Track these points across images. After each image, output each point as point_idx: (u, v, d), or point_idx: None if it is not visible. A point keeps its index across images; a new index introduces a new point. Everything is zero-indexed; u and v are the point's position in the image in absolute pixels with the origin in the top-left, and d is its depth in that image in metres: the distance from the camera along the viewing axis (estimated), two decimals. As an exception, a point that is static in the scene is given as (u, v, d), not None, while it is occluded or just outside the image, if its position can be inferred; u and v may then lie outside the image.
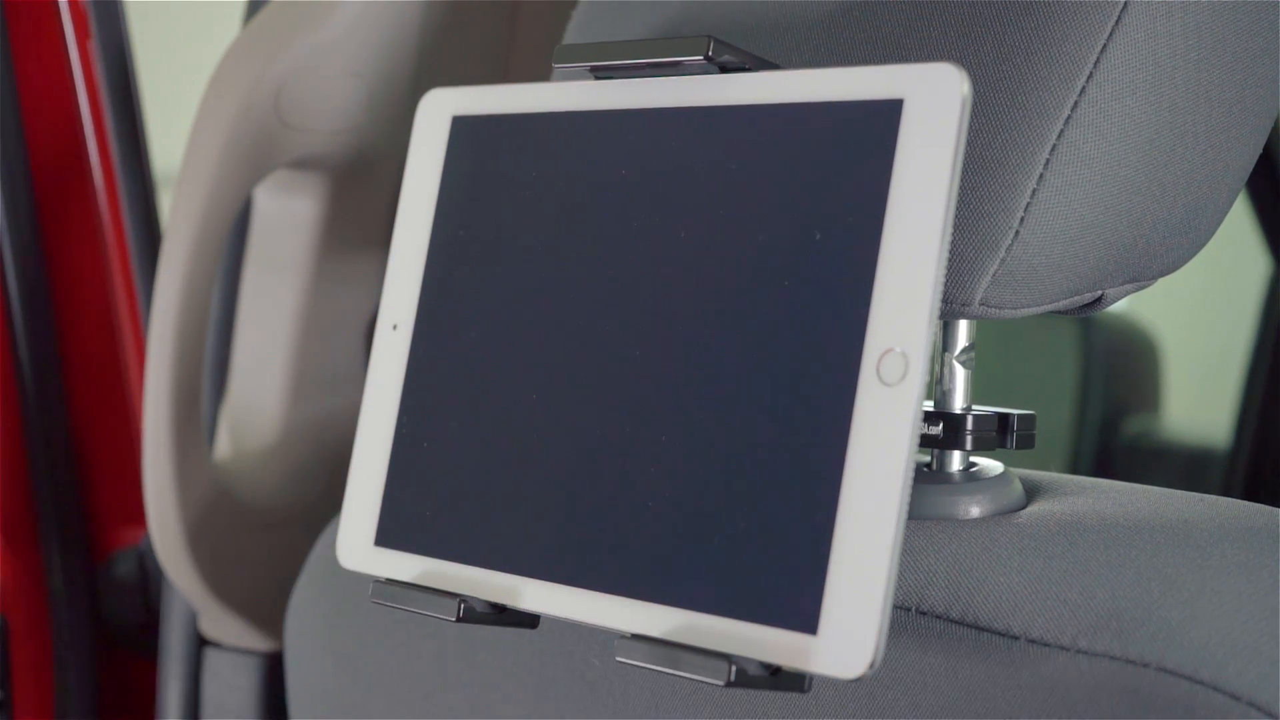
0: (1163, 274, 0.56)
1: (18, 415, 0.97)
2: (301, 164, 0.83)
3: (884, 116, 0.46)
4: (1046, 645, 0.48)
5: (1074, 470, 1.81)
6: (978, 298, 0.52)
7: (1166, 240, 0.54)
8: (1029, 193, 0.50)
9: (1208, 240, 0.56)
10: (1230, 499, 0.55)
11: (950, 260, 0.51)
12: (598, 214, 0.52)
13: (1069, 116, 0.50)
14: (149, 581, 0.99)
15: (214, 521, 0.84)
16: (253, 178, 0.80)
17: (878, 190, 0.45)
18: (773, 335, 0.47)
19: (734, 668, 0.45)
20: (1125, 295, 0.56)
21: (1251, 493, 1.58)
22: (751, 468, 0.46)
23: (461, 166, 0.56)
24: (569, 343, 0.52)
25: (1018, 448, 0.55)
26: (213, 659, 0.90)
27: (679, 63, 0.50)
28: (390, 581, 0.55)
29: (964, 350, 0.55)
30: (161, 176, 1.03)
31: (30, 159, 0.98)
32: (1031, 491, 0.56)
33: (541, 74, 0.84)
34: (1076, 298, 0.54)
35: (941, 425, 0.55)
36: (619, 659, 0.47)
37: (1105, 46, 0.49)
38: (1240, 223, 1.59)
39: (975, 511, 0.54)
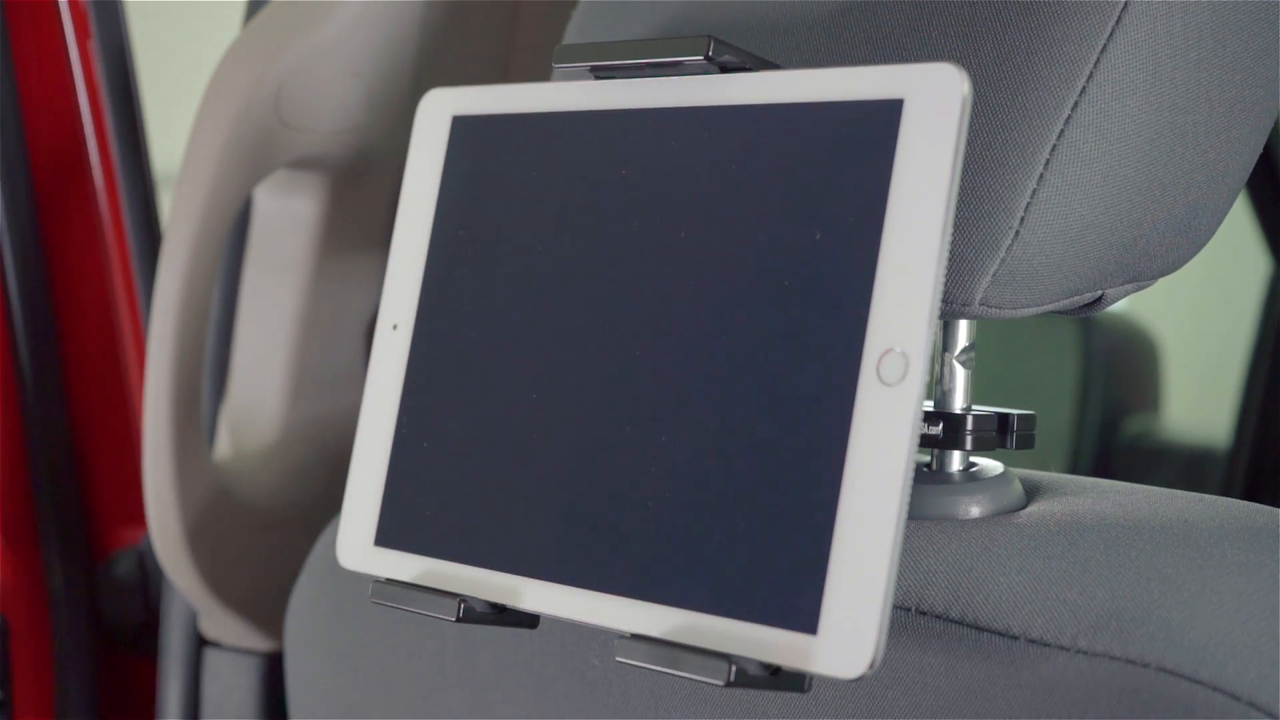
0: (1163, 274, 0.56)
1: (18, 415, 0.97)
2: (301, 164, 0.83)
3: (884, 116, 0.46)
4: (1046, 645, 0.48)
5: (1074, 470, 1.81)
6: (978, 298, 0.52)
7: (1166, 240, 0.54)
8: (1029, 193, 0.50)
9: (1208, 240, 0.56)
10: (1230, 499, 0.55)
11: (950, 260, 0.51)
12: (598, 214, 0.52)
13: (1069, 117, 0.50)
14: (149, 581, 0.99)
15: (214, 521, 0.84)
16: (253, 178, 0.80)
17: (878, 190, 0.45)
18: (773, 335, 0.47)
19: (734, 668, 0.45)
20: (1125, 295, 0.56)
21: (1251, 493, 1.58)
22: (751, 467, 0.46)
23: (461, 166, 0.56)
24: (569, 343, 0.52)
25: (1018, 448, 0.55)
26: (213, 659, 0.90)
27: (679, 63, 0.50)
28: (390, 581, 0.55)
29: (964, 350, 0.55)
30: (161, 176, 1.03)
31: (30, 159, 0.98)
32: (1031, 491, 0.56)
33: (541, 74, 0.84)
34: (1076, 298, 0.54)
35: (941, 425, 0.55)
36: (619, 659, 0.47)
37: (1105, 47, 0.49)
38: (1240, 223, 1.59)
39: (975, 511, 0.54)
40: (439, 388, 0.55)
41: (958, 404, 0.55)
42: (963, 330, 0.55)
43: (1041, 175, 0.50)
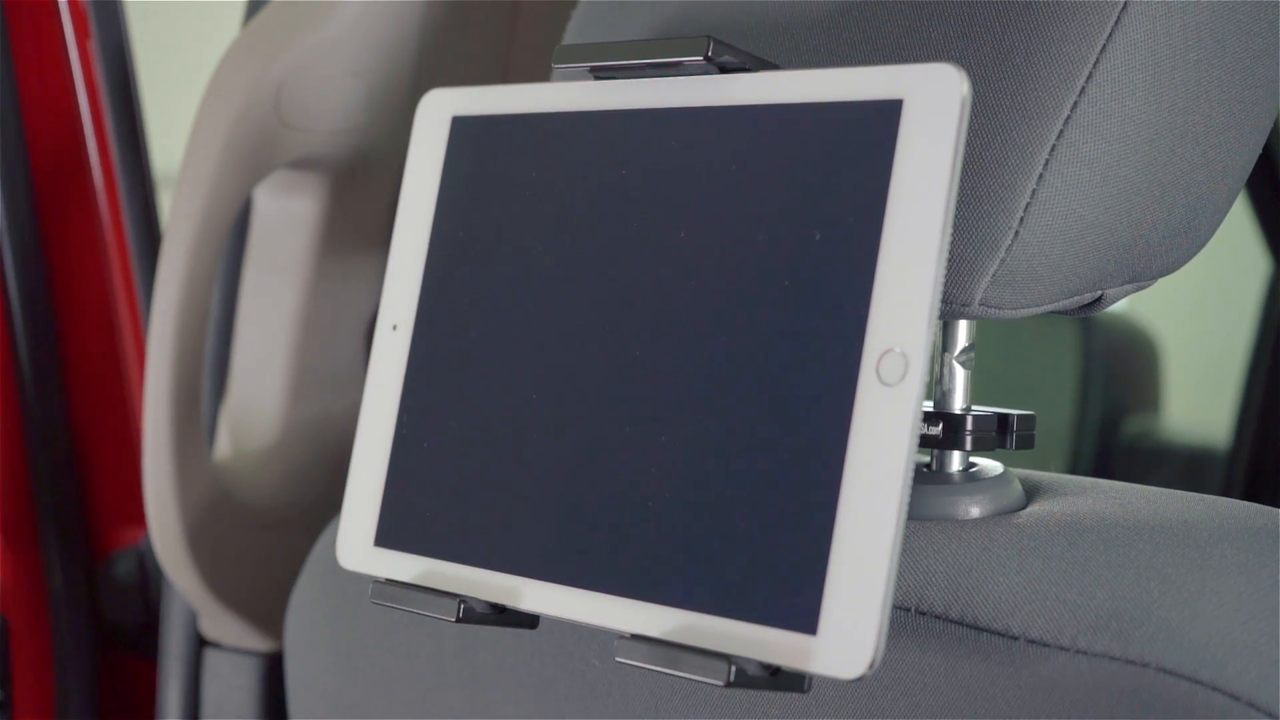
0: (1163, 274, 0.56)
1: (18, 415, 0.97)
2: (301, 164, 0.83)
3: (884, 117, 0.46)
4: (1046, 646, 0.48)
5: (1074, 470, 1.81)
6: (977, 298, 0.52)
7: (1166, 240, 0.54)
8: (1029, 193, 0.50)
9: (1208, 240, 0.56)
10: (1230, 499, 0.55)
11: (950, 260, 0.51)
12: (597, 214, 0.52)
13: (1069, 117, 0.50)
14: (149, 581, 0.99)
15: (214, 521, 0.84)
16: (253, 178, 0.80)
17: (877, 190, 0.45)
18: (772, 335, 0.47)
19: (734, 668, 0.45)
20: (1125, 295, 0.56)
21: (1251, 493, 1.58)
22: (751, 468, 0.46)
23: (461, 167, 0.56)
24: (568, 343, 0.52)
25: (1017, 448, 0.55)
26: (213, 659, 0.90)
27: (679, 63, 0.50)
28: (390, 582, 0.55)
29: (964, 350, 0.55)
30: (161, 176, 1.03)
31: (30, 159, 0.98)
32: (1031, 492, 0.56)
33: (541, 74, 0.84)
34: (1076, 298, 0.54)
35: (941, 425, 0.55)
36: (619, 659, 0.47)
37: (1105, 47, 0.49)
38: (1240, 223, 1.59)
39: (975, 512, 0.54)
40: (439, 388, 0.55)
41: (957, 404, 0.55)
42: (962, 330, 0.55)
43: (1041, 175, 0.50)
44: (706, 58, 0.49)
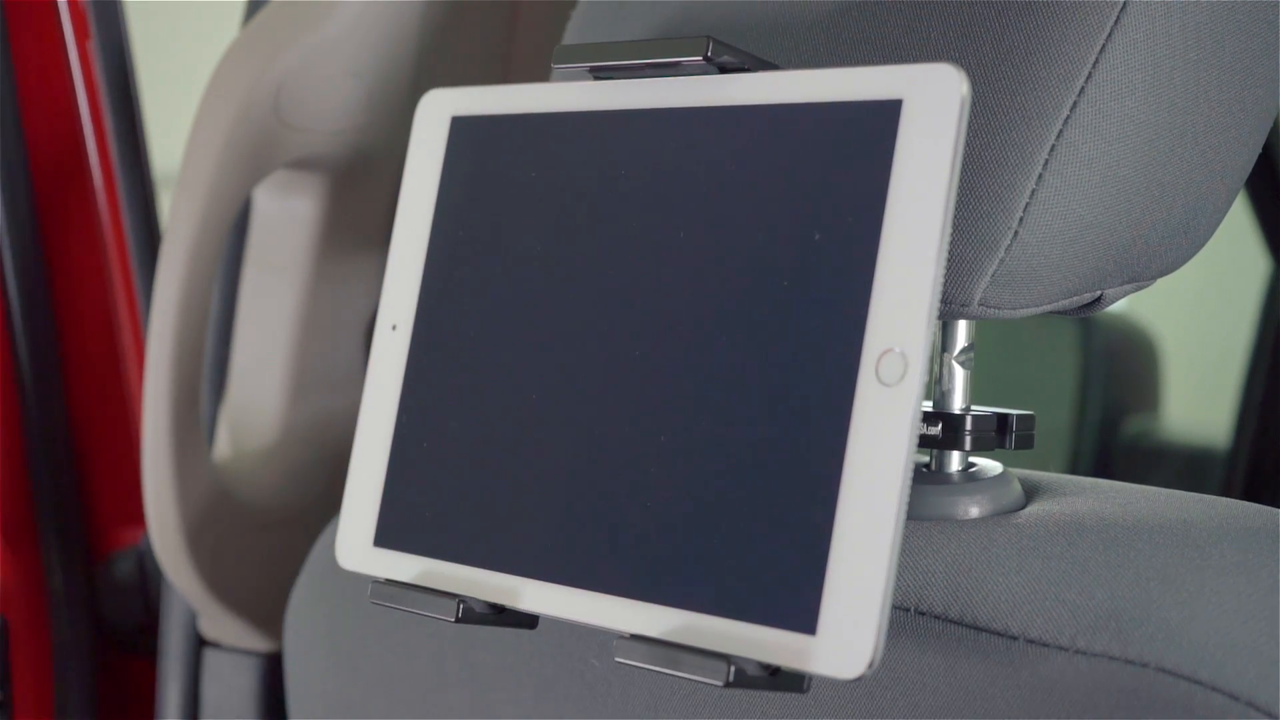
0: (1162, 274, 0.56)
1: (18, 415, 0.97)
2: (301, 164, 0.83)
3: (883, 117, 0.46)
4: (1045, 645, 0.48)
5: (1074, 470, 1.81)
6: (977, 298, 0.52)
7: (1166, 240, 0.54)
8: (1028, 193, 0.50)
9: (1207, 240, 0.55)
10: (1230, 499, 0.55)
11: (949, 260, 0.51)
12: (597, 214, 0.52)
13: (1068, 117, 0.50)
14: (149, 582, 0.99)
15: (214, 521, 0.84)
16: (252, 178, 0.80)
17: (877, 190, 0.45)
18: (772, 335, 0.47)
19: (733, 668, 0.45)
20: (1125, 295, 0.56)
21: (1251, 493, 1.58)
22: (750, 468, 0.46)
23: (461, 167, 0.56)
24: (568, 343, 0.52)
25: (1017, 448, 0.55)
26: (212, 659, 0.90)
27: (678, 63, 0.50)
28: (389, 582, 0.55)
29: (963, 350, 0.55)
30: (161, 176, 1.03)
31: (30, 159, 0.98)
32: (1031, 492, 0.56)
33: (541, 74, 0.84)
34: (1076, 298, 0.54)
35: (940, 425, 0.55)
36: (618, 659, 0.47)
37: (1104, 47, 0.49)
38: (1240, 223, 1.59)
39: (974, 512, 0.54)
40: (438, 388, 0.55)
41: (957, 404, 0.55)
42: (962, 330, 0.55)
43: (1040, 175, 0.50)
44: (706, 58, 0.49)
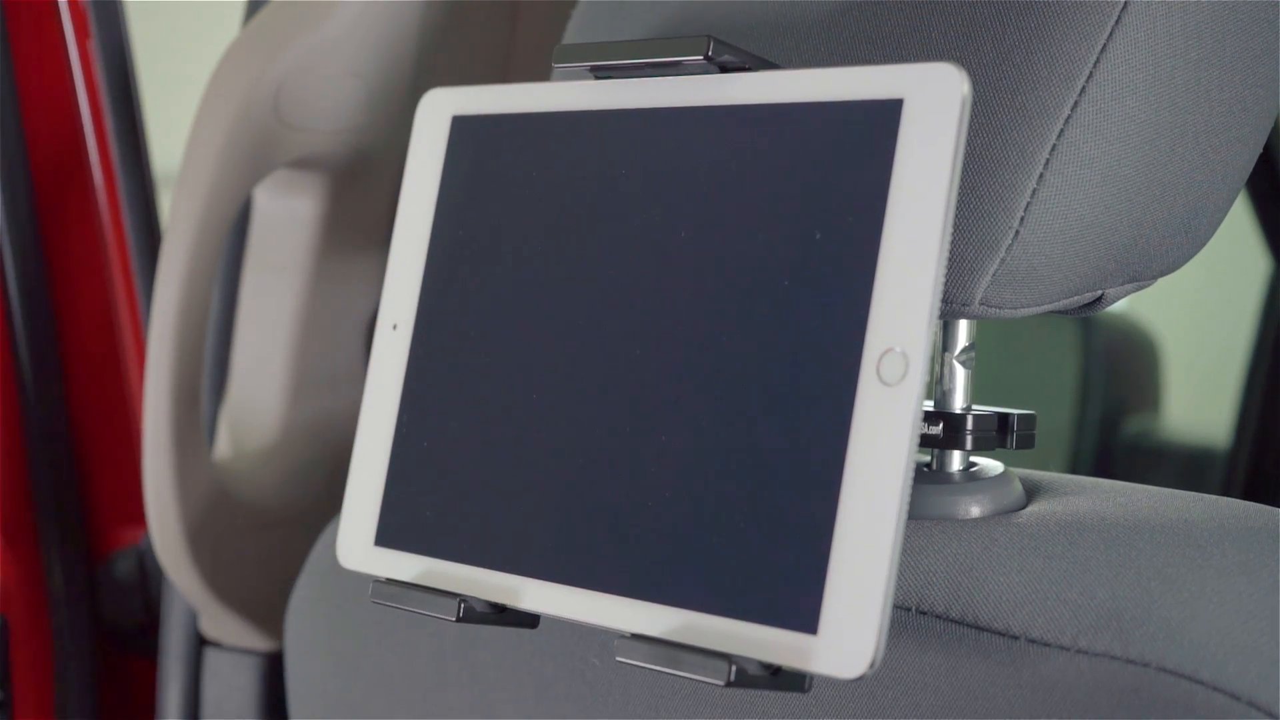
0: (1163, 274, 0.56)
1: (18, 415, 0.97)
2: (301, 164, 0.83)
3: (884, 116, 0.46)
4: (1047, 645, 0.48)
5: (1074, 470, 1.81)
6: (978, 297, 0.52)
7: (1167, 240, 0.54)
8: (1029, 193, 0.50)
9: (1208, 240, 0.55)
10: (1230, 499, 0.55)
11: (950, 260, 0.51)
12: (598, 214, 0.52)
13: (1069, 116, 0.50)
14: (149, 581, 0.99)
15: (214, 521, 0.84)
16: (253, 178, 0.80)
17: (878, 190, 0.45)
18: (773, 335, 0.47)
19: (734, 668, 0.45)
20: (1125, 295, 0.56)
21: (1251, 493, 1.58)
22: (752, 467, 0.46)
23: (461, 166, 0.56)
24: (569, 342, 0.52)
25: (1018, 447, 0.55)
26: (213, 659, 0.90)
27: (679, 63, 0.50)
28: (390, 581, 0.55)
29: (964, 350, 0.55)
30: (161, 176, 1.03)
31: (30, 159, 0.98)
32: (1031, 491, 0.56)
33: (541, 74, 0.84)
34: (1076, 297, 0.54)
35: (941, 425, 0.55)
36: (619, 659, 0.47)
37: (1105, 46, 0.49)
38: (1240, 223, 1.59)
39: (975, 511, 0.54)
40: (439, 388, 0.55)
41: (958, 404, 0.55)
42: (962, 330, 0.55)
43: (1041, 175, 0.50)
44: (707, 57, 0.49)
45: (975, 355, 0.56)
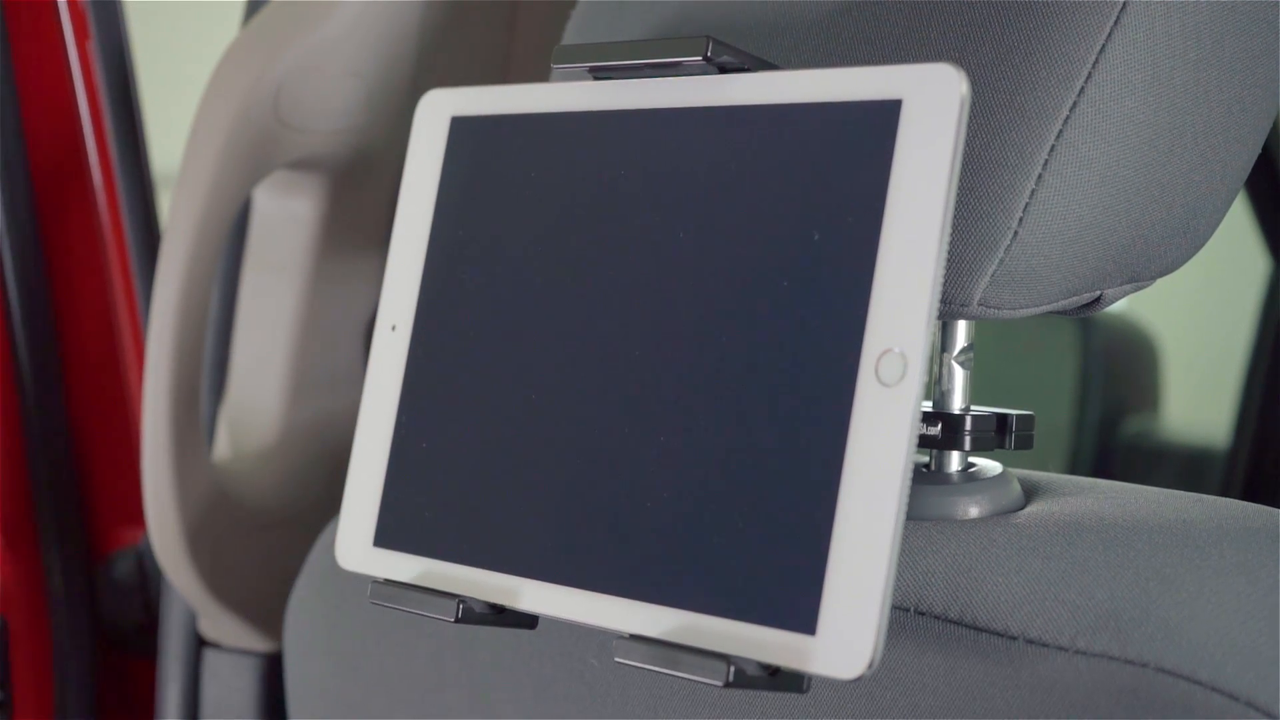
0: (1162, 274, 0.56)
1: (18, 415, 0.97)
2: (301, 164, 0.83)
3: (883, 117, 0.46)
4: (1045, 645, 0.48)
5: (1073, 470, 1.81)
6: (976, 298, 0.52)
7: (1166, 240, 0.54)
8: (1027, 193, 0.50)
9: (1207, 240, 0.56)
10: (1229, 499, 0.55)
11: (949, 260, 0.51)
12: (596, 214, 0.52)
13: (1068, 117, 0.50)
14: (148, 582, 0.99)
15: (213, 522, 0.84)
16: (252, 178, 0.80)
17: (876, 190, 0.45)
18: (771, 335, 0.47)
19: (732, 668, 0.45)
20: (1124, 295, 0.56)
21: (1251, 493, 1.58)
22: (750, 468, 0.46)
23: (460, 167, 0.56)
24: (567, 343, 0.52)
25: (1016, 448, 0.55)
26: (212, 659, 0.90)
27: (678, 63, 0.50)
28: (389, 582, 0.55)
29: (962, 350, 0.55)
30: (161, 176, 1.03)
31: (30, 159, 0.98)
32: (1030, 492, 0.56)
33: (541, 74, 0.84)
34: (1075, 298, 0.54)
35: (940, 425, 0.55)
36: (617, 659, 0.47)
37: (1104, 47, 0.49)
38: (1240, 223, 1.59)
39: (974, 512, 0.54)
40: (438, 388, 0.55)
41: (956, 404, 0.55)
42: (961, 331, 0.55)
43: (1040, 176, 0.50)
44: (705, 58, 0.49)
45: (974, 356, 0.56)
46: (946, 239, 0.44)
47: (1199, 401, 2.12)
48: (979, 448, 0.55)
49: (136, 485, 0.86)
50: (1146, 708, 0.46)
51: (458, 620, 0.52)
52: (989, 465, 0.56)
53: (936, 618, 0.50)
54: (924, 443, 0.55)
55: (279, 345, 0.88)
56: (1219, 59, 0.51)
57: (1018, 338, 1.84)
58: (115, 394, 1.02)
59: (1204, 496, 0.55)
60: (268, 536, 0.87)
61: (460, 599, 0.52)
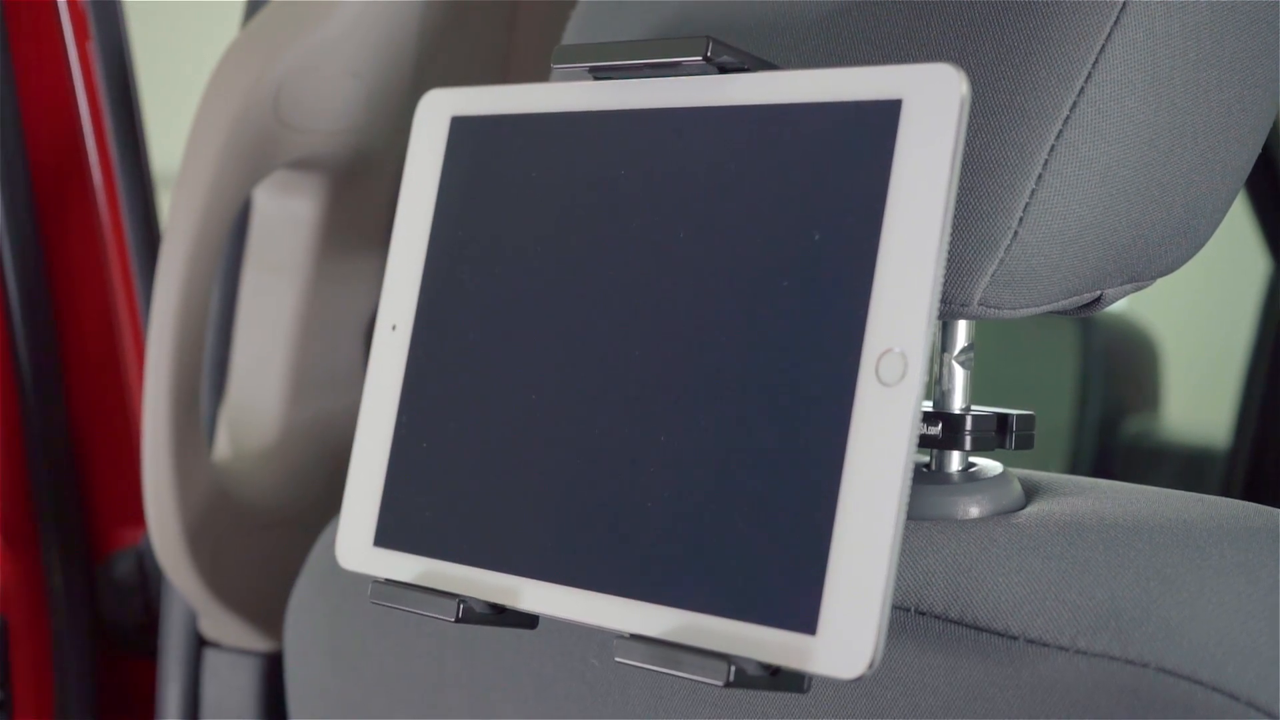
0: (1162, 274, 0.56)
1: (18, 415, 0.97)
2: (301, 164, 0.83)
3: (883, 117, 0.46)
4: (1046, 645, 0.48)
5: (1073, 470, 1.81)
6: (977, 298, 0.52)
7: (1166, 240, 0.54)
8: (1028, 193, 0.50)
9: (1207, 240, 0.56)
10: (1230, 499, 0.55)
11: (949, 260, 0.51)
12: (597, 214, 0.52)
13: (1068, 117, 0.50)
14: (149, 582, 0.99)
15: (213, 522, 0.84)
16: (252, 178, 0.80)
17: (876, 191, 0.45)
18: (772, 335, 0.47)
19: (733, 668, 0.45)
20: (1124, 295, 0.56)
21: (1251, 493, 1.58)
22: (751, 468, 0.46)
23: (461, 167, 0.56)
24: (568, 343, 0.52)
25: (1017, 448, 0.55)
26: (212, 659, 0.90)
27: (678, 63, 0.50)
28: (389, 582, 0.55)
29: (963, 350, 0.55)
30: (161, 177, 1.03)
31: (30, 159, 0.98)
32: (1030, 492, 0.56)
33: (541, 74, 0.84)
34: (1075, 298, 0.54)
35: (940, 425, 0.55)
36: (618, 659, 0.47)
37: (1104, 47, 0.49)
38: (1240, 223, 1.59)
39: (974, 512, 0.54)
40: (438, 388, 0.55)
41: (957, 404, 0.55)
42: (961, 330, 0.55)
43: (1040, 176, 0.50)
44: (705, 58, 0.49)
45: (974, 355, 0.56)
46: (947, 239, 0.44)
47: (1199, 401, 2.12)
48: (979, 448, 0.55)
49: (137, 485, 0.86)
50: (1147, 708, 0.46)
51: (458, 620, 0.52)
52: (989, 465, 0.56)
53: (937, 617, 0.50)
54: (924, 442, 0.55)
55: (279, 345, 0.88)
56: (1219, 59, 0.51)
57: (1018, 338, 1.84)
58: (115, 394, 1.02)
59: (1204, 496, 0.55)
60: (268, 536, 0.87)
61: (461, 599, 0.52)
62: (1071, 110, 0.49)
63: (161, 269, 0.80)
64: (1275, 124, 0.72)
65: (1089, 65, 0.49)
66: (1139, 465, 1.87)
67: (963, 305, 0.52)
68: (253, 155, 0.79)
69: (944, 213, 0.44)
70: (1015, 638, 0.48)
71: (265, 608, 0.86)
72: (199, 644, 0.91)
